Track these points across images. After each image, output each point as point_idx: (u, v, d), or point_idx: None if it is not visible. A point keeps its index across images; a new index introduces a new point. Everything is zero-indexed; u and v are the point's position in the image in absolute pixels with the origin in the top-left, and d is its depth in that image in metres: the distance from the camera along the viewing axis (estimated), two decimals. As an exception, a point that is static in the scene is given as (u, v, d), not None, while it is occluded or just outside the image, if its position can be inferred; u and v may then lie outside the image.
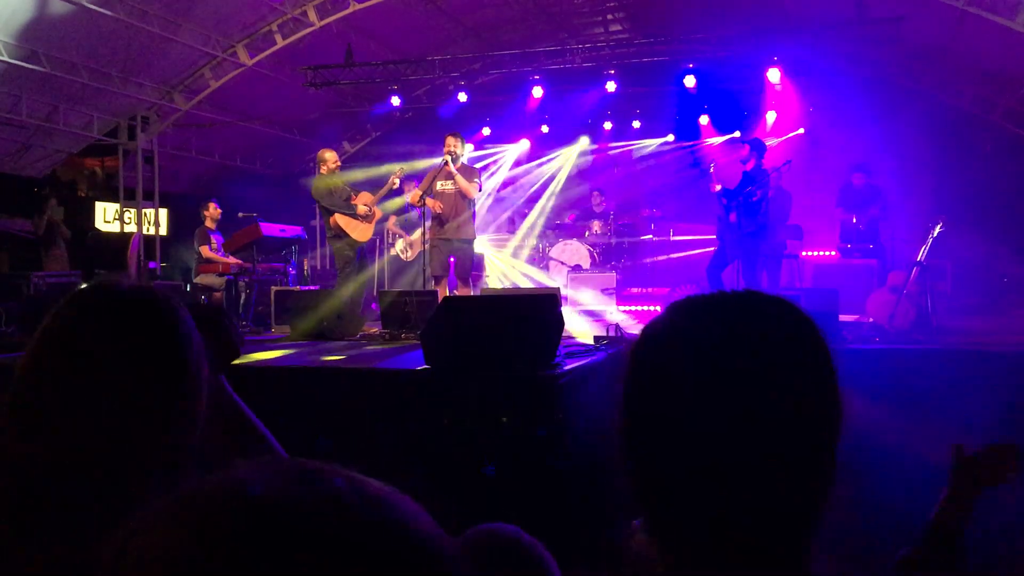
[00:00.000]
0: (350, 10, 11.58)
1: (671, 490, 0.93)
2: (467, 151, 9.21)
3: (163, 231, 13.32)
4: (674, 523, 0.94)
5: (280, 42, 11.89)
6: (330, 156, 9.10)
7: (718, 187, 8.67)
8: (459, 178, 8.47)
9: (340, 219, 8.75)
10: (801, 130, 8.86)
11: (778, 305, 1.00)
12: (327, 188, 8.83)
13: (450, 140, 8.63)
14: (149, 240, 12.73)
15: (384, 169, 8.87)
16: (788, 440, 0.91)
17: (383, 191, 8.87)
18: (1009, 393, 5.04)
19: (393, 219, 11.40)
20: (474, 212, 9.00)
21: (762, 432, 0.90)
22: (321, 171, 9.02)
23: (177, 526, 0.54)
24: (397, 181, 8.86)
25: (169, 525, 0.54)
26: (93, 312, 1.24)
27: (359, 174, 10.73)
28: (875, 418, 4.95)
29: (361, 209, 8.79)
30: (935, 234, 7.76)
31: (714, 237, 9.51)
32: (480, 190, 9.17)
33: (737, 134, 12.11)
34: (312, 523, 0.53)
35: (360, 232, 8.87)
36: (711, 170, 8.91)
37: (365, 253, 9.39)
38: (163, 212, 13.32)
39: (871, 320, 8.01)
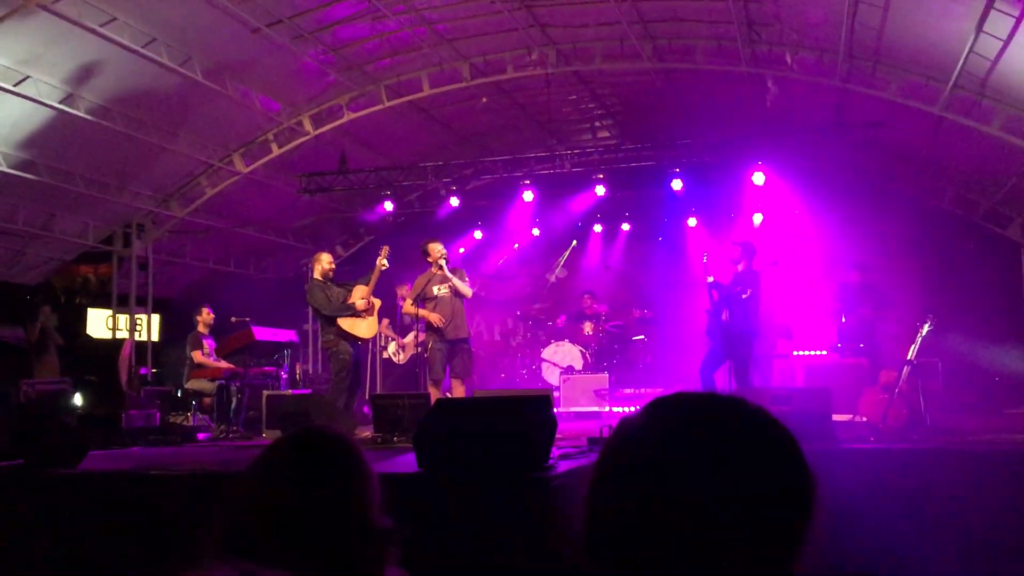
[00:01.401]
0: (344, 120, 11.89)
1: (642, 558, 0.98)
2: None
3: (155, 337, 13.32)
4: None
5: (276, 151, 12.16)
6: (325, 258, 9.17)
7: (710, 279, 8.78)
8: (455, 280, 8.65)
9: (343, 323, 8.72)
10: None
11: (743, 407, 1.06)
12: (324, 296, 8.82)
13: (434, 246, 8.88)
14: (141, 346, 12.71)
15: (376, 301, 8.89)
16: (744, 532, 0.96)
17: (374, 278, 8.85)
18: (1002, 491, 5.01)
19: (386, 322, 11.44)
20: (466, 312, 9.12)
21: (715, 524, 0.95)
22: (315, 275, 9.05)
23: None
24: (385, 263, 8.91)
25: None
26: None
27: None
28: (871, 517, 4.91)
29: (360, 304, 8.75)
30: (924, 333, 7.81)
31: (701, 332, 9.56)
32: (472, 290, 9.26)
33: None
34: None
35: (365, 329, 8.83)
36: (704, 259, 9.04)
37: (360, 359, 9.34)
38: (155, 318, 13.34)
39: (864, 419, 7.99)
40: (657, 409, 1.07)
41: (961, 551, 4.74)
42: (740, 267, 8.80)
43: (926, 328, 7.80)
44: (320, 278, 9.00)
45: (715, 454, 0.99)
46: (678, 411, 1.06)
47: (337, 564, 1.54)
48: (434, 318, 8.69)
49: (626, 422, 1.08)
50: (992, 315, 12.39)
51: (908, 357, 7.89)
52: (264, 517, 1.57)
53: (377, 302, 8.92)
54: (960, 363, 11.58)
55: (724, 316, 8.64)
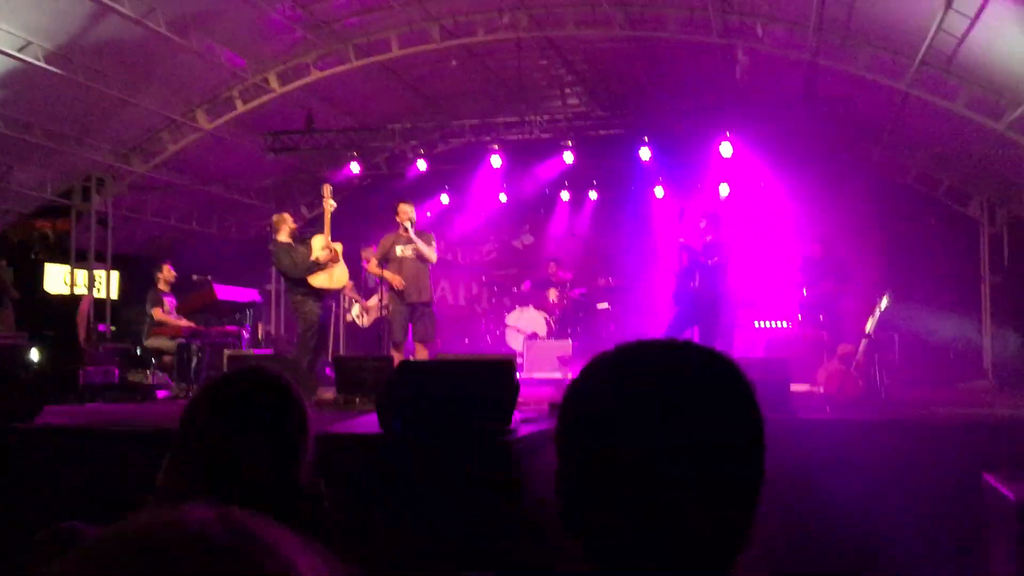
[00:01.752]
0: (311, 78, 11.71)
1: (599, 518, 0.99)
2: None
3: (114, 294, 13.12)
4: (606, 550, 0.99)
5: (241, 107, 11.96)
6: (288, 218, 9.04)
7: (682, 240, 8.87)
8: (419, 243, 8.61)
9: (313, 280, 8.60)
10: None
11: (701, 350, 1.07)
12: (290, 259, 8.66)
13: (405, 208, 8.82)
14: (100, 302, 12.53)
15: (336, 245, 8.72)
16: (710, 466, 0.97)
17: (326, 222, 8.69)
18: (955, 463, 5.12)
19: (350, 284, 11.38)
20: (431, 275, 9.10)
21: (684, 460, 0.96)
22: (279, 236, 8.90)
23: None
24: (332, 202, 8.82)
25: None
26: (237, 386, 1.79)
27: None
28: (826, 486, 5.00)
29: (323, 256, 8.61)
30: (882, 307, 7.93)
31: (665, 301, 9.68)
32: (437, 254, 9.22)
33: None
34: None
35: (336, 279, 8.70)
36: (680, 218, 9.13)
37: (326, 320, 9.26)
38: (115, 274, 13.14)
39: (821, 391, 8.12)
40: (602, 361, 1.07)
41: (912, 519, 4.85)
42: (708, 238, 8.93)
43: (884, 302, 7.91)
44: (286, 239, 8.86)
45: (665, 401, 0.99)
46: (624, 360, 1.06)
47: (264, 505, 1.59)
48: (396, 280, 8.67)
49: (576, 378, 1.09)
50: (950, 291, 12.63)
51: (866, 330, 8.01)
52: (196, 459, 1.65)
53: (338, 246, 8.72)
54: (917, 337, 11.79)
55: (694, 282, 8.74)
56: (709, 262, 8.68)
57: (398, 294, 8.70)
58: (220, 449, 1.63)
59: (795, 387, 7.96)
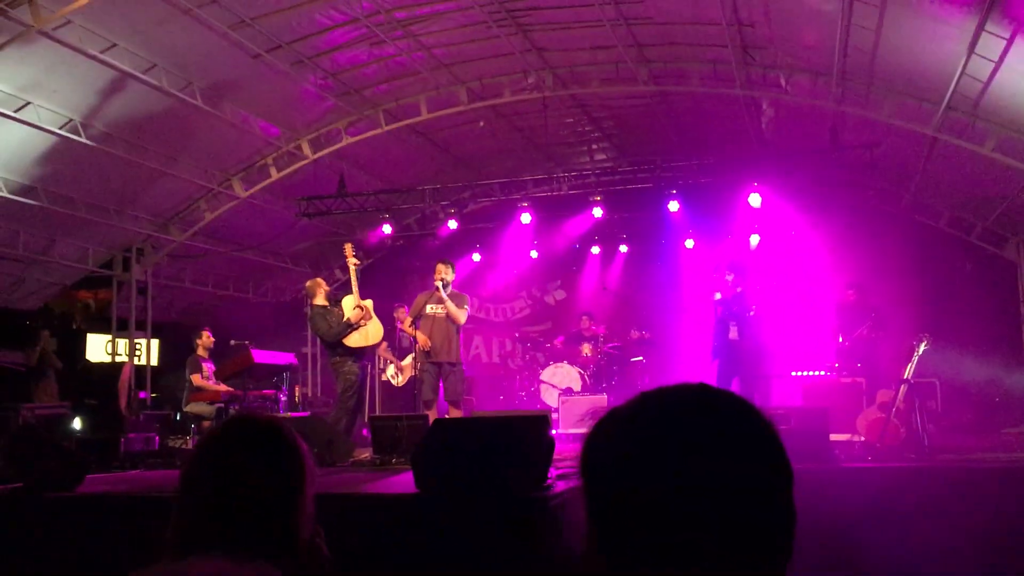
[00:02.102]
0: (343, 143, 11.97)
1: (621, 560, 1.00)
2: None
3: (154, 361, 13.33)
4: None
5: (275, 175, 12.23)
6: (322, 282, 9.16)
7: (718, 295, 8.95)
8: (449, 304, 8.70)
9: (348, 341, 8.69)
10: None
11: (719, 392, 1.08)
12: (326, 323, 8.76)
13: (440, 267, 8.93)
14: (140, 370, 12.73)
15: (366, 303, 8.84)
16: (731, 507, 0.98)
17: (353, 280, 8.80)
18: (999, 508, 5.02)
19: (384, 344, 11.46)
20: (461, 336, 9.14)
21: (703, 501, 0.97)
22: (316, 301, 9.00)
23: None
24: (355, 260, 8.93)
25: None
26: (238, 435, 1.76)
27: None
28: (869, 535, 4.92)
29: (355, 316, 8.70)
30: (920, 351, 7.83)
31: (699, 353, 9.70)
32: (467, 316, 9.27)
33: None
34: None
35: (371, 336, 8.77)
36: (729, 278, 9.22)
37: (364, 380, 9.32)
38: (154, 342, 13.36)
39: (862, 439, 8.00)
40: (621, 408, 1.09)
41: (959, 568, 4.74)
42: (738, 289, 9.02)
43: (922, 347, 7.82)
44: (322, 303, 8.97)
45: (683, 441, 1.00)
46: (641, 404, 1.07)
47: (266, 545, 1.59)
48: (421, 339, 8.75)
49: (596, 423, 1.10)
50: (989, 334, 12.43)
51: (904, 376, 7.91)
52: (193, 509, 1.64)
53: (368, 303, 8.82)
54: (958, 383, 11.60)
55: (731, 334, 8.78)
56: (749, 313, 8.77)
57: (425, 353, 8.79)
58: (215, 497, 1.63)
59: (835, 436, 7.86)
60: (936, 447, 7.95)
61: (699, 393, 1.07)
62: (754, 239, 13.02)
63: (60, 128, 9.62)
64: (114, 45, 8.78)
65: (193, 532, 1.61)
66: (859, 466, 6.80)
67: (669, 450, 1.00)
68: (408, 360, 10.47)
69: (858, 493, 5.74)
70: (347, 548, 4.72)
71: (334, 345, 8.78)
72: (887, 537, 5.16)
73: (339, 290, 11.73)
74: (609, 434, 1.07)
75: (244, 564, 1.49)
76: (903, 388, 7.85)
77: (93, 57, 8.62)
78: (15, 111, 9.08)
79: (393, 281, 15.35)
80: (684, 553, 0.97)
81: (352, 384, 8.74)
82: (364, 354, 9.04)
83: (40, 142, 9.73)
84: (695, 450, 0.99)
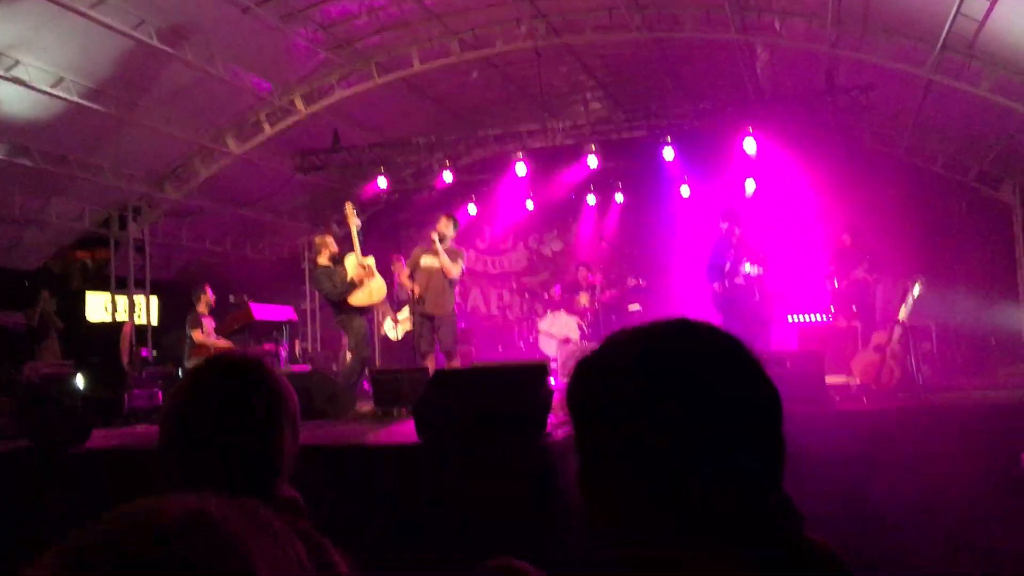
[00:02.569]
0: (336, 97, 11.89)
1: (611, 492, 1.02)
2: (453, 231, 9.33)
3: (155, 319, 13.39)
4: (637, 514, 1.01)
5: (268, 131, 12.16)
6: (330, 240, 9.09)
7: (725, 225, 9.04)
8: (443, 257, 8.74)
9: (353, 300, 8.72)
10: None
11: (703, 324, 1.10)
12: (330, 283, 8.75)
13: (442, 220, 8.99)
14: (141, 328, 12.79)
15: (368, 260, 8.82)
16: (731, 425, 1.00)
17: (355, 240, 8.82)
18: (993, 446, 5.11)
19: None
20: (455, 289, 9.20)
21: (701, 422, 0.99)
22: (321, 260, 8.96)
23: None
24: (356, 220, 8.94)
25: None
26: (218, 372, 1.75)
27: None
28: (864, 474, 5.02)
29: (358, 274, 8.73)
30: (915, 293, 7.90)
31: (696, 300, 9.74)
32: (462, 271, 9.29)
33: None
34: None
35: (375, 293, 8.79)
36: (724, 226, 9.25)
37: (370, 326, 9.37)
38: (154, 300, 13.41)
39: (858, 381, 8.11)
40: (607, 347, 1.10)
41: (951, 502, 4.85)
42: (737, 232, 9.06)
43: (916, 288, 7.88)
44: (326, 263, 8.93)
45: (667, 375, 1.01)
46: (625, 341, 1.09)
47: (243, 483, 1.58)
48: (411, 286, 8.82)
49: (580, 363, 1.11)
50: (985, 276, 12.51)
51: (899, 318, 7.98)
52: (175, 452, 1.63)
53: (370, 260, 8.82)
54: (953, 324, 11.70)
55: (720, 287, 8.90)
56: (742, 260, 8.83)
57: (417, 304, 8.85)
58: (193, 438, 1.64)
59: (831, 379, 7.96)
60: (930, 387, 8.06)
61: (679, 326, 1.09)
62: (750, 185, 13.02)
63: (51, 87, 9.55)
64: (103, 0, 8.69)
65: (175, 472, 1.61)
66: (854, 408, 6.90)
67: (652, 383, 1.01)
68: (405, 313, 10.52)
69: (854, 434, 5.84)
70: (352, 497, 4.83)
71: (339, 304, 8.81)
72: (882, 477, 5.26)
73: (340, 244, 11.74)
74: (594, 370, 1.09)
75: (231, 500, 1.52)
76: (897, 330, 7.93)
77: (82, 14, 8.53)
78: (6, 70, 9.02)
79: (390, 234, 15.37)
80: (670, 487, 0.98)
81: (364, 336, 8.82)
82: (369, 311, 9.11)
83: (31, 101, 9.67)
84: (677, 381, 1.01)
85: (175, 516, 0.69)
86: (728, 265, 9.06)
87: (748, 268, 9.01)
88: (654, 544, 0.98)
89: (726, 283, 9.06)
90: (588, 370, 1.10)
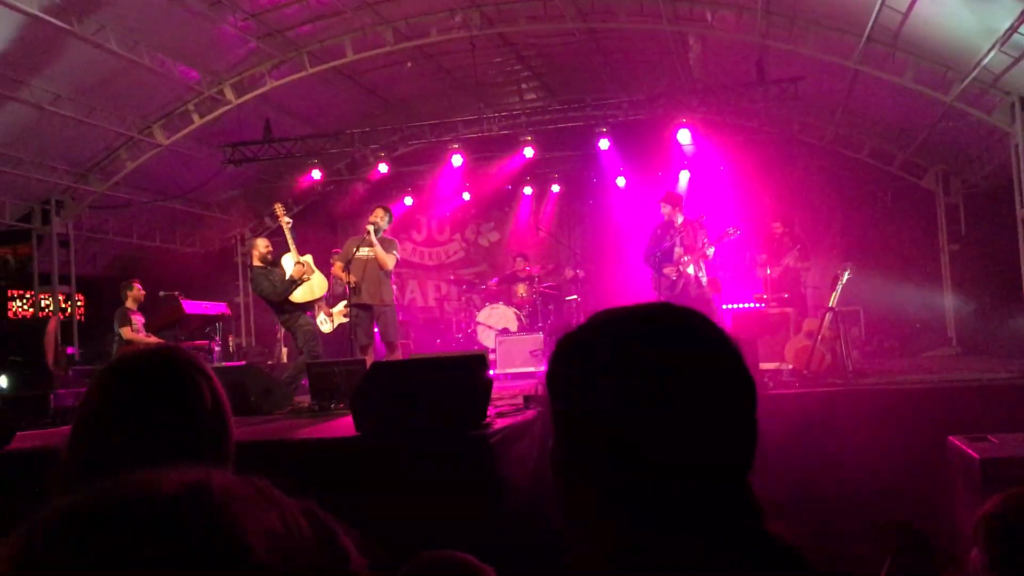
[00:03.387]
0: (267, 87, 11.68)
1: (605, 462, 1.00)
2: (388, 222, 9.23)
3: (81, 316, 13.02)
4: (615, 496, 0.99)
5: (197, 121, 11.89)
6: (261, 243, 8.85)
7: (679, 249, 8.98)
8: (377, 248, 8.68)
9: (295, 298, 8.56)
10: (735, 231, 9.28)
11: (684, 309, 1.10)
12: (269, 283, 8.56)
13: (377, 211, 8.95)
14: (66, 325, 12.42)
15: (306, 257, 8.69)
16: (705, 407, 1.00)
17: (289, 240, 8.68)
18: (920, 428, 5.26)
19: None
20: (392, 278, 9.13)
21: (678, 404, 0.98)
22: (254, 262, 8.78)
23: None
24: (287, 219, 8.81)
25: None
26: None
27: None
28: (796, 457, 5.11)
29: (296, 272, 8.59)
30: (843, 280, 8.07)
31: (633, 290, 9.77)
32: (396, 262, 9.21)
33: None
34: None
35: (316, 289, 8.64)
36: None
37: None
38: (79, 297, 13.03)
39: (790, 367, 8.27)
40: (615, 314, 1.09)
41: (880, 483, 4.97)
42: (679, 219, 9.07)
43: (846, 275, 8.05)
44: (260, 264, 8.76)
45: (646, 357, 1.01)
46: (639, 312, 1.09)
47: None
48: (347, 278, 8.73)
49: (559, 343, 1.10)
50: (911, 262, 12.87)
51: (829, 305, 8.16)
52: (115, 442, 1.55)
53: (308, 258, 8.71)
54: (881, 310, 12.01)
55: (673, 271, 8.92)
56: (695, 245, 8.85)
57: (354, 294, 8.76)
58: (135, 435, 1.54)
59: (764, 365, 8.11)
60: (860, 372, 8.26)
61: (661, 309, 1.09)
62: (684, 176, 13.17)
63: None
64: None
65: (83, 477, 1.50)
66: (786, 392, 7.03)
67: (632, 365, 1.01)
68: (339, 307, 10.37)
69: (786, 418, 5.95)
70: (289, 493, 4.74)
71: (281, 303, 8.65)
72: (814, 457, 5.38)
73: (271, 236, 11.54)
74: (575, 350, 1.08)
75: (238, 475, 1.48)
76: (828, 316, 8.10)
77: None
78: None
79: (325, 227, 15.17)
80: (647, 468, 0.98)
81: (311, 334, 8.66)
82: (311, 307, 8.96)
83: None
84: (657, 363, 1.01)
85: (171, 487, 0.68)
86: (676, 251, 9.02)
87: (676, 267, 9.00)
88: (630, 527, 0.98)
89: (671, 268, 9.02)
90: (569, 350, 1.09)
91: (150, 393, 1.59)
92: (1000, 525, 1.91)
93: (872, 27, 8.95)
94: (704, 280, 9.00)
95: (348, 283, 8.76)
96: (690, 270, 8.90)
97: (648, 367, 1.01)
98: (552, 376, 1.09)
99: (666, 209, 9.21)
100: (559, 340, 1.11)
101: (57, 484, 1.55)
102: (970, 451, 4.09)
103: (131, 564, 0.61)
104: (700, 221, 9.23)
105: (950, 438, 4.51)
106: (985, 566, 1.92)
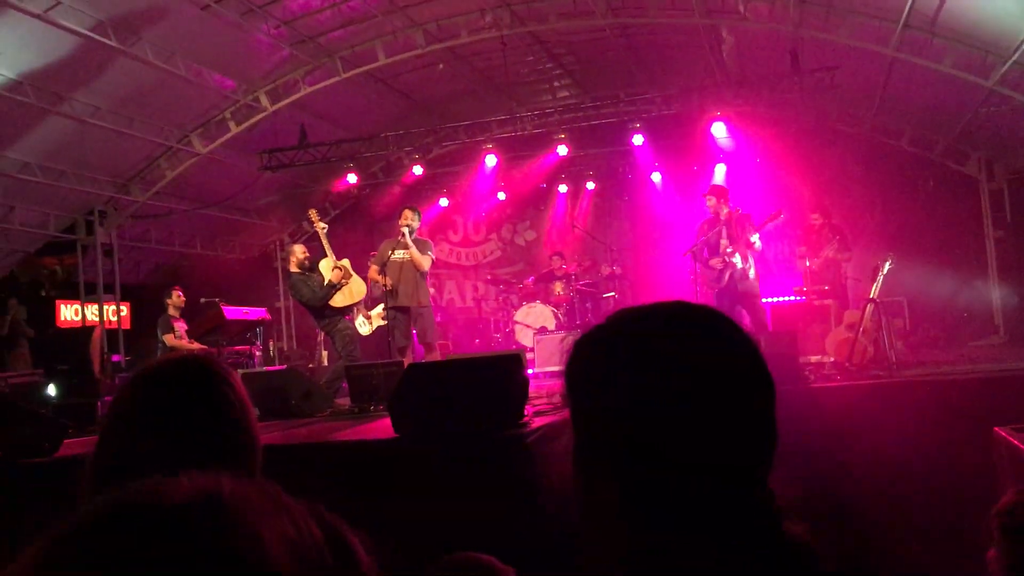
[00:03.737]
0: (301, 94, 11.79)
1: (613, 463, 1.00)
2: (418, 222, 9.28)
3: (126, 324, 13.24)
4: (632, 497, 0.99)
5: (234, 129, 12.04)
6: (299, 248, 8.96)
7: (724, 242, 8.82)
8: (413, 250, 8.71)
9: (334, 303, 8.65)
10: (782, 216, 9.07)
11: (703, 308, 1.09)
12: (308, 289, 8.66)
13: (406, 213, 8.93)
14: (112, 333, 12.64)
15: (343, 262, 8.76)
16: (725, 408, 0.99)
17: (325, 245, 8.74)
18: (965, 419, 5.16)
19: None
20: (428, 279, 9.17)
21: (696, 405, 0.98)
22: (292, 268, 8.87)
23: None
24: (322, 224, 8.91)
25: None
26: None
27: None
28: (839, 451, 5.04)
29: (334, 277, 8.68)
30: (885, 271, 7.95)
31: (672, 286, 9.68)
32: (432, 262, 9.23)
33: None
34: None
35: (355, 293, 8.74)
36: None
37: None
38: (125, 305, 13.26)
39: (832, 359, 8.16)
40: (635, 312, 1.09)
41: (926, 476, 4.89)
42: (725, 211, 8.89)
43: (887, 266, 7.93)
44: (298, 270, 8.85)
45: (664, 356, 1.01)
46: (658, 311, 1.08)
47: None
48: (384, 281, 8.77)
49: (577, 344, 1.10)
50: (955, 250, 12.63)
51: (871, 296, 8.04)
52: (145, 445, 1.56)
53: (346, 262, 8.79)
54: (924, 300, 11.81)
55: (724, 275, 8.76)
56: (742, 236, 8.69)
57: (391, 296, 8.80)
58: (161, 438, 1.55)
59: (805, 358, 8.01)
60: (903, 363, 8.12)
61: (679, 308, 1.09)
62: (719, 169, 13.05)
63: (7, 90, 9.39)
64: (59, 3, 8.55)
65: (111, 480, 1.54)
66: (829, 385, 6.94)
67: (650, 364, 1.01)
68: (377, 310, 10.43)
69: (829, 410, 5.88)
70: (328, 496, 4.78)
71: (321, 309, 8.73)
72: (858, 451, 5.30)
73: (308, 241, 11.63)
74: (594, 349, 1.08)
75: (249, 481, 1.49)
76: (869, 307, 7.99)
77: (37, 16, 8.39)
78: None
79: (362, 230, 15.27)
80: (665, 466, 0.98)
81: (350, 339, 8.76)
82: (350, 311, 9.05)
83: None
84: (675, 362, 1.00)
85: (184, 494, 0.68)
86: (722, 242, 8.85)
87: (726, 261, 8.83)
88: (644, 528, 0.98)
89: (716, 260, 8.85)
90: (587, 348, 1.08)
91: (174, 400, 1.60)
92: (1011, 521, 1.87)
93: (909, 13, 8.80)
94: (752, 273, 8.81)
95: (385, 286, 8.80)
96: (737, 262, 8.71)
97: (665, 365, 1.00)
98: (571, 374, 1.08)
99: (711, 202, 8.97)
100: (578, 338, 1.11)
101: (83, 489, 1.56)
102: (1017, 443, 4.01)
103: (140, 574, 0.62)
104: (746, 213, 9.09)
105: (996, 429, 4.42)
106: (999, 560, 1.89)
